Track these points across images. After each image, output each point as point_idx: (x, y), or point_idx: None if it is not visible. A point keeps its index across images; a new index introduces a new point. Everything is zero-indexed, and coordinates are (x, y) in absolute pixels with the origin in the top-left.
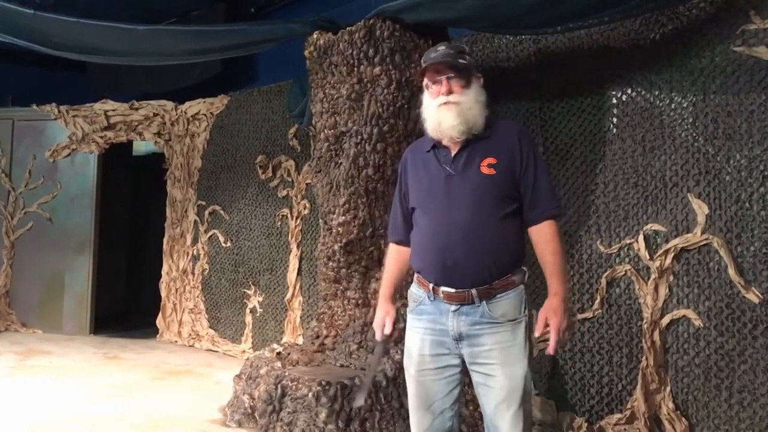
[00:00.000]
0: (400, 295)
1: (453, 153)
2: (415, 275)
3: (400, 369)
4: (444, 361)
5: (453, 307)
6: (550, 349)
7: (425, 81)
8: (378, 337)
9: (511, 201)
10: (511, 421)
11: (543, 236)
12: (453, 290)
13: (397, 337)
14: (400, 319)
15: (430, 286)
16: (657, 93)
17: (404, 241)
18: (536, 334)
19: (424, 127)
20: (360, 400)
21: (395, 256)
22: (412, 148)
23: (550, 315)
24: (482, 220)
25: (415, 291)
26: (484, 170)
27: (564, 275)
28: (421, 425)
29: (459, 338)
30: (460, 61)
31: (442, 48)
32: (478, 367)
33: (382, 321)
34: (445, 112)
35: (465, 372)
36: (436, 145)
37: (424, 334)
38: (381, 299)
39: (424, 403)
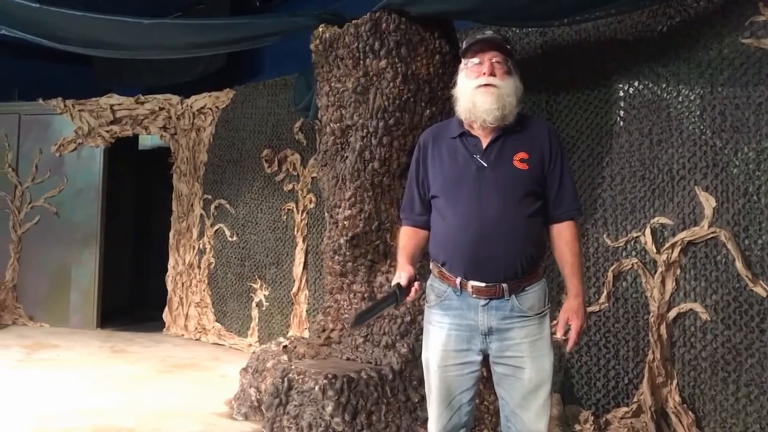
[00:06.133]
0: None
1: (485, 144)
2: (436, 269)
3: (406, 363)
4: (467, 356)
5: (482, 302)
6: (569, 348)
7: (464, 62)
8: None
9: (537, 197)
10: (538, 411)
11: (564, 236)
12: (483, 284)
13: (413, 299)
14: (418, 278)
15: (457, 280)
16: (664, 85)
17: (421, 226)
18: (558, 334)
19: (455, 109)
20: (354, 321)
21: (411, 234)
22: (433, 131)
23: (572, 316)
24: (513, 214)
25: (437, 285)
26: (517, 164)
27: (583, 276)
28: (440, 420)
29: (488, 333)
30: (507, 46)
31: (489, 32)
32: (506, 360)
33: (398, 277)
34: (482, 94)
35: (483, 368)
36: (465, 133)
37: (450, 330)
38: (399, 265)
39: (445, 399)
